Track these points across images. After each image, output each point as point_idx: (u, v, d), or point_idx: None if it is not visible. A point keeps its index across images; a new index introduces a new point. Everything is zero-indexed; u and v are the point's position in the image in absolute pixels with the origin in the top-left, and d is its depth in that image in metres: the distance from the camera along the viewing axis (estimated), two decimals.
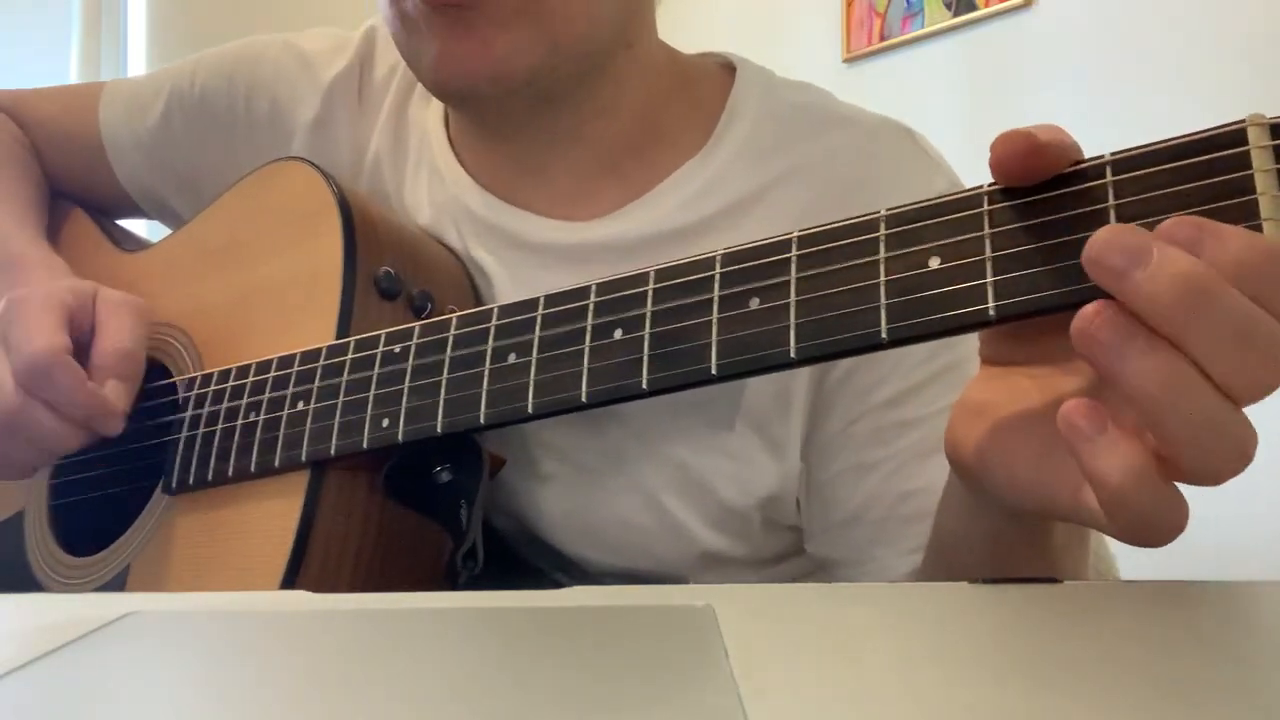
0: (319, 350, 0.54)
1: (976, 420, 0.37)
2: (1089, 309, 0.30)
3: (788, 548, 0.58)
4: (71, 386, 0.55)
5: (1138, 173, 0.33)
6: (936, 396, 0.53)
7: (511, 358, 0.47)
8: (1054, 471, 0.34)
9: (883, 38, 2.24)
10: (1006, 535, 0.40)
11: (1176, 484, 0.30)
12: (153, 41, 2.17)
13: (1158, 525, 0.30)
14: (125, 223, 0.81)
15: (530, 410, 0.46)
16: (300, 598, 0.38)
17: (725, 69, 0.61)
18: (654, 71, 0.59)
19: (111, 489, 0.64)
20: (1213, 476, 0.30)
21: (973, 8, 2.04)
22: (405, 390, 0.50)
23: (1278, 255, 0.29)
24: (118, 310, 0.59)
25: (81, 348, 0.57)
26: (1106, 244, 0.29)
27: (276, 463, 0.53)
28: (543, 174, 0.60)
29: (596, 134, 0.58)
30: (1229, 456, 0.29)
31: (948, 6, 2.10)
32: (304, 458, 0.52)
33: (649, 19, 0.58)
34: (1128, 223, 0.32)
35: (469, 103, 0.58)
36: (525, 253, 0.59)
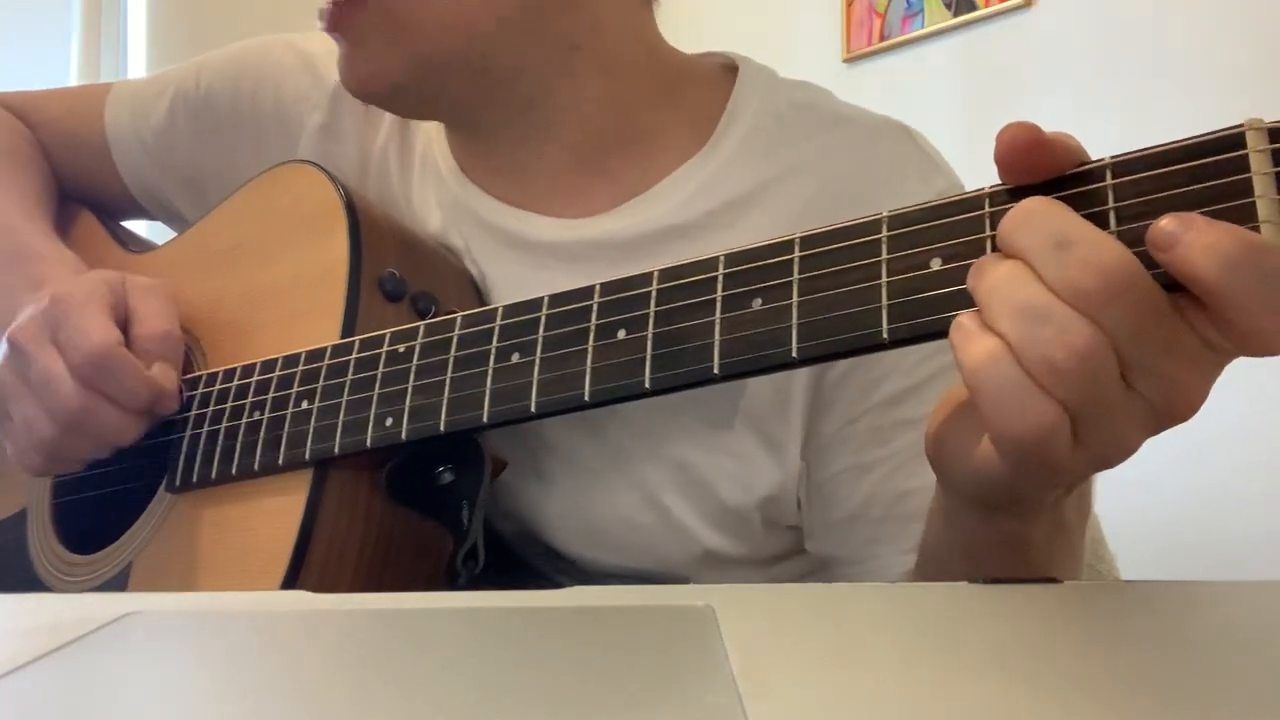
0: (324, 349, 0.54)
1: (944, 409, 0.39)
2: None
3: (788, 547, 0.59)
4: (132, 377, 0.55)
5: (1138, 176, 0.33)
6: (936, 396, 0.53)
7: (515, 357, 0.47)
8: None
9: (883, 38, 2.24)
10: (982, 535, 0.41)
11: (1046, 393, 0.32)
12: (153, 42, 2.17)
13: (1009, 409, 0.32)
14: (128, 225, 0.81)
15: (533, 409, 0.46)
16: (300, 598, 0.39)
17: (727, 69, 0.61)
18: (623, 71, 0.58)
19: (114, 487, 0.64)
20: (1043, 356, 0.32)
21: (973, 8, 2.03)
22: (409, 389, 0.50)
23: (1253, 244, 0.30)
24: (149, 295, 0.60)
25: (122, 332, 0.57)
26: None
27: (280, 461, 0.53)
28: (524, 173, 0.60)
29: (565, 133, 0.58)
30: (1046, 334, 0.32)
31: (948, 6, 2.09)
32: (307, 456, 0.52)
33: (609, 24, 0.57)
34: (1129, 225, 0.33)
35: (373, 105, 0.62)
36: (523, 251, 0.59)
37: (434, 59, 0.55)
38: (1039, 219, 0.33)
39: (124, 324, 0.58)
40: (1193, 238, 0.30)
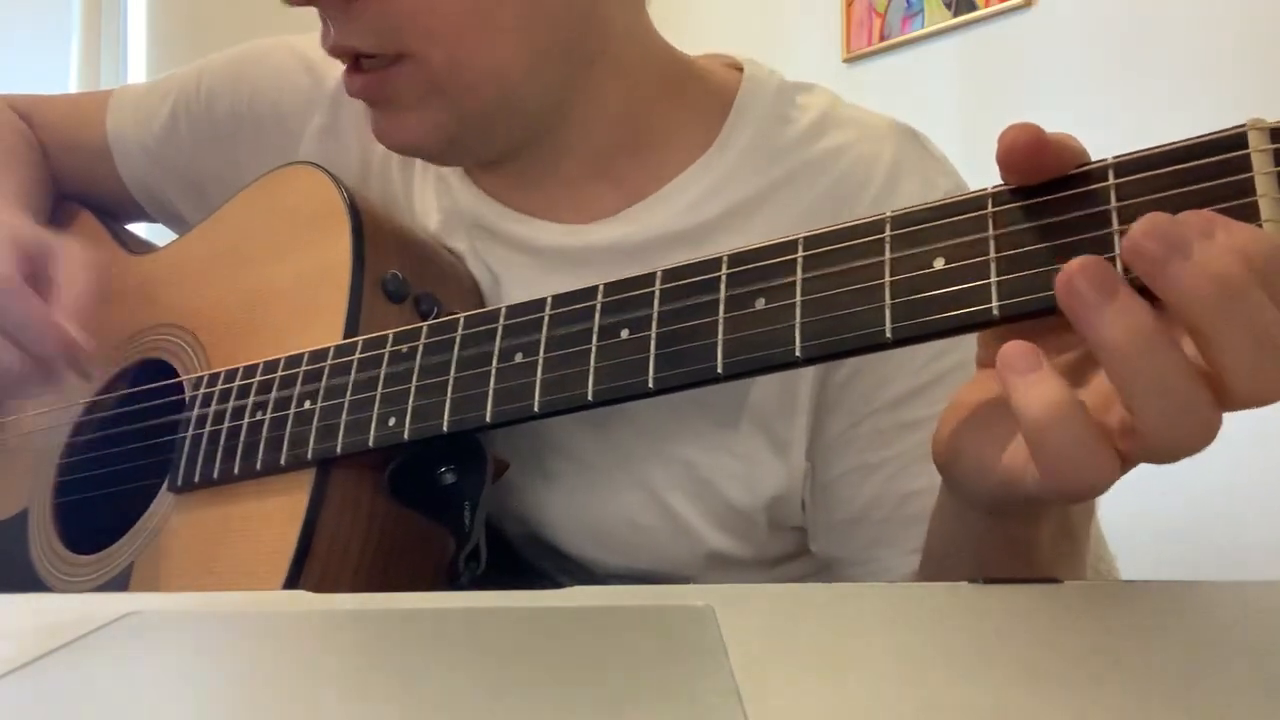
0: (326, 350, 0.54)
1: (955, 415, 0.39)
2: (1074, 262, 0.30)
3: (792, 549, 0.59)
4: (28, 313, 0.54)
5: (1140, 175, 0.33)
6: (941, 398, 0.53)
7: (518, 357, 0.47)
8: (1015, 450, 0.35)
9: (883, 38, 2.24)
10: (989, 539, 0.41)
11: (1119, 448, 0.31)
12: (153, 42, 2.17)
13: (1077, 466, 0.31)
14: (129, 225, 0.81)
15: (536, 409, 0.46)
16: (300, 598, 0.39)
17: (733, 70, 0.61)
18: (635, 76, 0.58)
19: (116, 487, 0.64)
20: (1169, 447, 0.30)
21: (973, 8, 2.03)
22: (412, 389, 0.50)
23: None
24: (76, 261, 0.59)
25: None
26: (1149, 232, 0.29)
27: (282, 461, 0.53)
28: (538, 184, 0.60)
29: (583, 145, 0.58)
30: (1186, 427, 0.30)
31: (948, 6, 2.09)
32: (310, 456, 0.52)
33: (617, 28, 0.57)
34: (1131, 224, 0.32)
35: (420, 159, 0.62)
36: (530, 257, 0.59)
37: (479, 110, 0.54)
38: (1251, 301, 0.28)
39: (45, 286, 0.57)
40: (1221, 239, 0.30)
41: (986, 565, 0.41)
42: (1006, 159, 0.35)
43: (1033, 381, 0.31)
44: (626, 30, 0.58)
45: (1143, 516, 1.14)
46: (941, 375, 0.53)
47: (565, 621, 0.32)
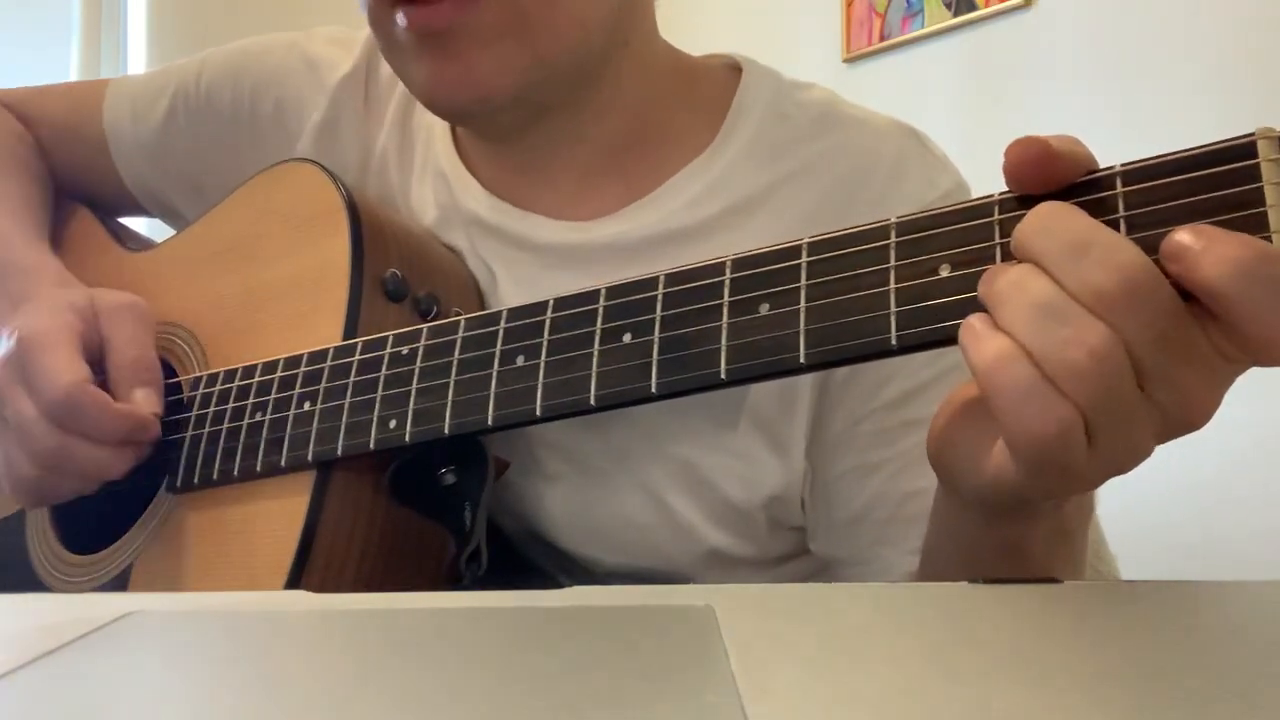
0: (326, 351, 0.54)
1: (949, 411, 0.39)
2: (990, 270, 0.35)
3: (793, 548, 0.59)
4: (102, 414, 0.55)
5: (1148, 184, 0.33)
6: (940, 397, 0.53)
7: (520, 360, 0.47)
8: (1003, 445, 0.35)
9: (883, 38, 2.24)
10: (982, 539, 0.41)
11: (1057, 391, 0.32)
12: (153, 41, 2.17)
13: (1026, 413, 0.32)
14: (127, 222, 0.81)
15: (538, 413, 0.46)
16: (300, 598, 0.39)
17: (732, 69, 0.61)
18: (653, 68, 0.59)
19: (115, 487, 0.64)
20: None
21: (973, 8, 2.03)
22: (413, 391, 0.50)
23: (1264, 253, 0.30)
24: (121, 317, 0.59)
25: (95, 362, 0.57)
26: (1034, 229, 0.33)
27: (283, 463, 0.53)
28: (546, 175, 0.60)
29: (596, 132, 0.58)
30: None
31: (948, 6, 2.09)
32: (310, 458, 0.52)
33: (647, 15, 0.58)
34: (1140, 233, 0.33)
35: (462, 121, 0.60)
36: (529, 254, 0.59)
37: (555, 56, 0.52)
38: (1056, 222, 0.33)
39: (98, 351, 0.58)
40: (1203, 247, 0.30)
41: (979, 567, 0.41)
42: (1013, 173, 0.35)
43: (986, 340, 0.33)
44: (649, 24, 0.59)
45: (1143, 516, 1.14)
46: (942, 374, 0.53)
47: (565, 621, 0.32)
